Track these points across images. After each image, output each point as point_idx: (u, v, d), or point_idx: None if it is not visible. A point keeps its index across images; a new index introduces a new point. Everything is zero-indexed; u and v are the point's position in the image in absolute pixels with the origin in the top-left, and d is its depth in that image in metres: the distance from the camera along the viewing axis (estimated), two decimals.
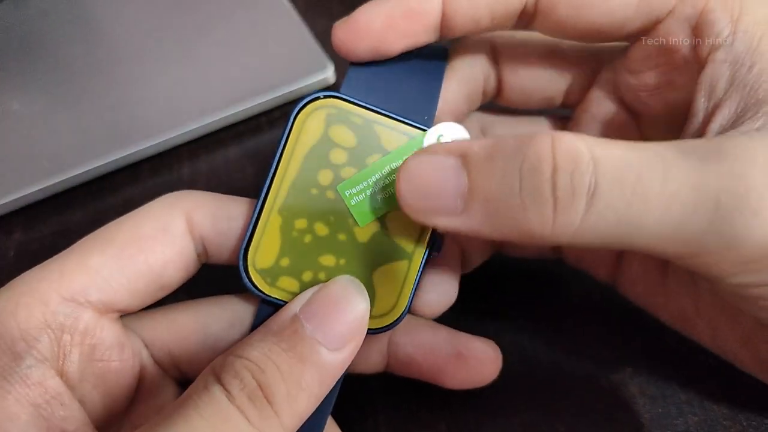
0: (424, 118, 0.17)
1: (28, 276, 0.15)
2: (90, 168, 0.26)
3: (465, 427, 0.19)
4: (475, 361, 0.17)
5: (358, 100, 0.17)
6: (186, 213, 0.16)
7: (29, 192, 0.25)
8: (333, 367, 0.14)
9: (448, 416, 0.19)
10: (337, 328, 0.14)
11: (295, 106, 0.17)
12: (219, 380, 0.13)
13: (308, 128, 0.17)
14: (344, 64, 0.29)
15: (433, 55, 0.19)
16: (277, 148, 0.17)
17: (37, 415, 0.13)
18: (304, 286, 0.16)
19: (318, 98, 0.17)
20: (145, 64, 0.29)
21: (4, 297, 0.14)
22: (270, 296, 0.16)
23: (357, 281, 0.16)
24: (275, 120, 0.28)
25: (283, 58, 0.29)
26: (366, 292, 0.16)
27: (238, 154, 0.27)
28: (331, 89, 0.29)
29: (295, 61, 0.29)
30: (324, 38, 0.30)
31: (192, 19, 0.31)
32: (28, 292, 0.14)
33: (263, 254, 0.16)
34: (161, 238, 0.16)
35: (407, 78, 0.18)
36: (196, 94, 0.28)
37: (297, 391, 0.13)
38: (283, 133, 0.17)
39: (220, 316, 0.17)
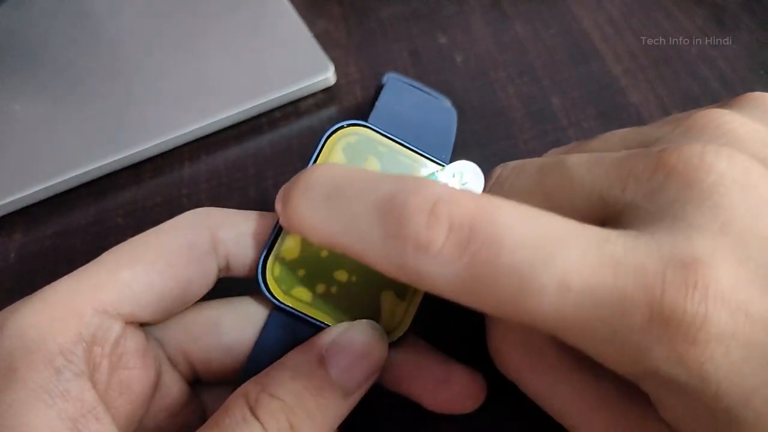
0: (441, 156, 0.19)
1: (61, 287, 0.15)
2: (91, 168, 0.26)
3: (469, 424, 0.19)
4: (458, 389, 0.17)
5: (386, 131, 0.18)
6: (211, 230, 0.17)
7: (30, 192, 0.25)
8: (349, 406, 0.15)
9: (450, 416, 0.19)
10: (358, 375, 0.15)
11: (327, 131, 0.18)
12: (256, 416, 0.14)
13: (336, 152, 0.18)
14: (343, 65, 0.30)
15: (445, 111, 0.21)
16: (307, 165, 0.17)
17: (75, 430, 0.13)
18: (317, 298, 0.17)
19: (348, 126, 0.18)
20: (146, 65, 0.30)
21: (39, 308, 0.14)
22: (284, 304, 0.17)
23: (378, 326, 0.16)
24: (276, 121, 0.28)
25: (283, 59, 0.29)
26: (386, 336, 0.16)
27: (238, 155, 0.27)
28: (331, 90, 0.29)
29: (296, 62, 0.29)
30: (324, 39, 0.31)
31: (193, 20, 0.31)
32: (62, 305, 0.14)
33: (282, 263, 0.17)
34: (188, 254, 0.16)
35: (426, 121, 0.20)
36: (197, 94, 0.28)
37: (319, 430, 0.15)
38: (313, 153, 0.18)
39: (233, 317, 0.17)
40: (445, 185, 0.13)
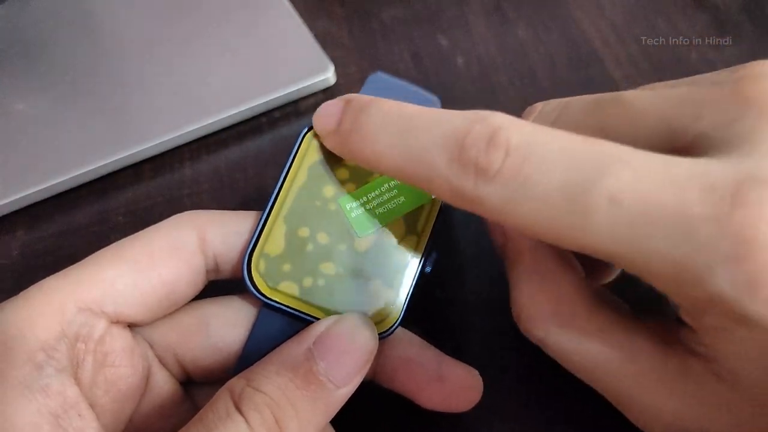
0: None
1: (44, 285, 0.15)
2: (93, 167, 0.26)
3: (465, 424, 0.19)
4: (454, 386, 0.17)
5: None
6: (198, 231, 0.17)
7: (33, 191, 0.25)
8: (339, 401, 0.15)
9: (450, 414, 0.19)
10: (346, 368, 0.15)
11: (305, 126, 0.18)
12: (240, 410, 0.14)
13: (315, 146, 0.18)
14: (344, 65, 0.30)
15: (427, 103, 0.21)
16: (286, 162, 0.18)
17: (56, 425, 0.13)
18: (304, 292, 0.17)
19: None
20: (147, 64, 0.30)
21: (22, 306, 0.14)
22: (271, 299, 0.17)
23: (367, 319, 0.16)
24: (276, 120, 0.28)
25: (283, 59, 0.29)
26: (375, 328, 0.16)
27: (239, 155, 0.27)
28: (331, 90, 0.29)
29: (296, 62, 0.29)
30: (324, 39, 0.31)
31: (194, 20, 0.31)
32: (45, 302, 0.14)
33: (267, 259, 0.17)
34: (174, 254, 0.16)
35: None
36: (198, 94, 0.28)
37: (306, 425, 0.14)
38: (292, 149, 0.18)
39: (222, 317, 0.17)
40: (509, 116, 0.14)
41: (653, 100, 0.14)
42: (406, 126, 0.15)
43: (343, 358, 0.15)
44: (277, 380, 0.14)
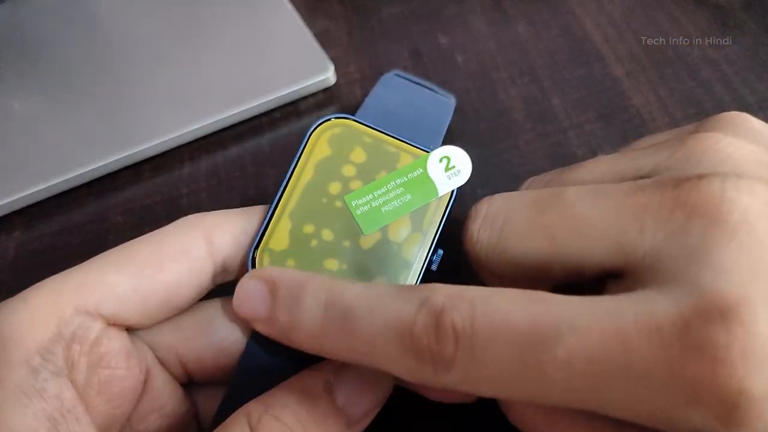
0: (430, 145, 0.19)
1: (43, 287, 0.15)
2: (91, 168, 0.26)
3: (471, 415, 0.19)
4: None
5: (372, 123, 0.19)
6: (206, 235, 0.16)
7: (30, 191, 0.25)
8: None
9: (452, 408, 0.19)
10: (365, 403, 0.15)
11: (313, 124, 0.18)
12: None
13: (322, 143, 0.18)
14: (344, 65, 0.30)
15: (440, 102, 0.21)
16: (293, 159, 0.18)
17: (54, 430, 0.13)
18: None
19: (334, 119, 0.19)
20: (146, 64, 0.30)
21: (20, 308, 0.14)
22: None
23: None
24: (276, 120, 0.28)
25: (283, 59, 0.29)
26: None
27: (238, 154, 0.27)
28: (331, 90, 0.29)
29: (296, 62, 0.29)
30: (324, 39, 0.31)
31: (193, 20, 0.31)
32: (44, 305, 0.14)
33: (271, 254, 0.17)
34: (180, 260, 0.16)
35: (418, 113, 0.20)
36: (197, 94, 0.28)
37: None
38: (300, 146, 0.18)
39: (225, 316, 0.17)
40: (447, 287, 0.13)
41: (593, 204, 0.14)
42: (348, 315, 0.14)
43: (362, 393, 0.15)
44: (297, 410, 0.14)
